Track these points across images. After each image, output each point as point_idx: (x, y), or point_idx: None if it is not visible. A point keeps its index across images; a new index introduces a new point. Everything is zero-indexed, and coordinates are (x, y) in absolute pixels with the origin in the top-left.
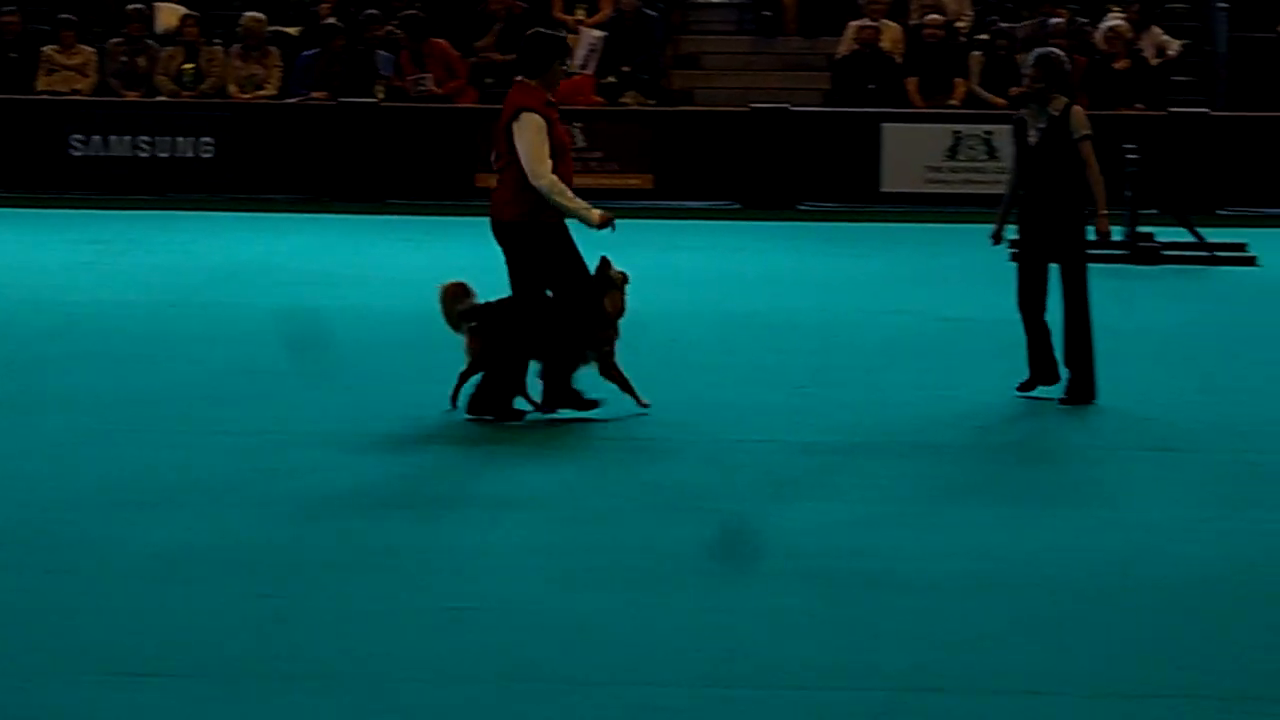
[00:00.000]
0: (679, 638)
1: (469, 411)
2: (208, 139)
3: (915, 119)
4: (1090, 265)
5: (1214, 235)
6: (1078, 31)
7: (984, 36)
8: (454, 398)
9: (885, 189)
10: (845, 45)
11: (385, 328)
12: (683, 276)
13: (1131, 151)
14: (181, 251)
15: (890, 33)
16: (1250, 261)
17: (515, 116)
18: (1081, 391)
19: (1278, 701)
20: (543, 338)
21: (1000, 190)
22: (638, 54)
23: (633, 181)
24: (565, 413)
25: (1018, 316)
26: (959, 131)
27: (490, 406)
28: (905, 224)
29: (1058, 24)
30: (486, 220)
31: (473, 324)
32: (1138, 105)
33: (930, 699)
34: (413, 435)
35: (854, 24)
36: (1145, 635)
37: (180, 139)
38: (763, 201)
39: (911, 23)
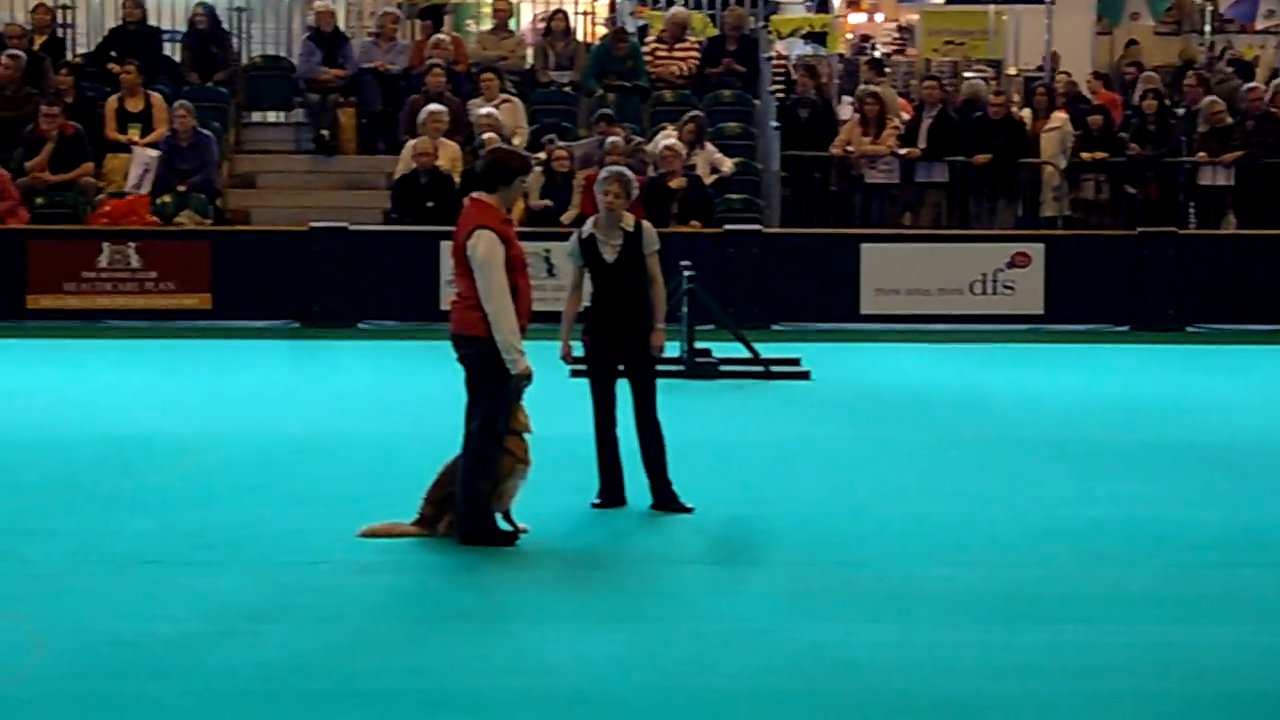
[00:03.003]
0: None
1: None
2: None
3: None
4: None
5: (769, 350)
6: (634, 150)
7: (541, 155)
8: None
9: (446, 307)
10: (403, 164)
11: None
12: (242, 397)
13: (687, 268)
14: None
15: (448, 151)
16: (804, 375)
17: (470, 234)
18: (668, 496)
19: None
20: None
21: (559, 307)
22: (193, 173)
23: (189, 301)
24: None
25: (587, 432)
26: None
27: (477, 533)
28: None
29: (614, 142)
30: (41, 342)
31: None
32: (693, 222)
33: None
34: None
35: (411, 142)
36: None
37: None
38: (323, 320)
39: (471, 138)
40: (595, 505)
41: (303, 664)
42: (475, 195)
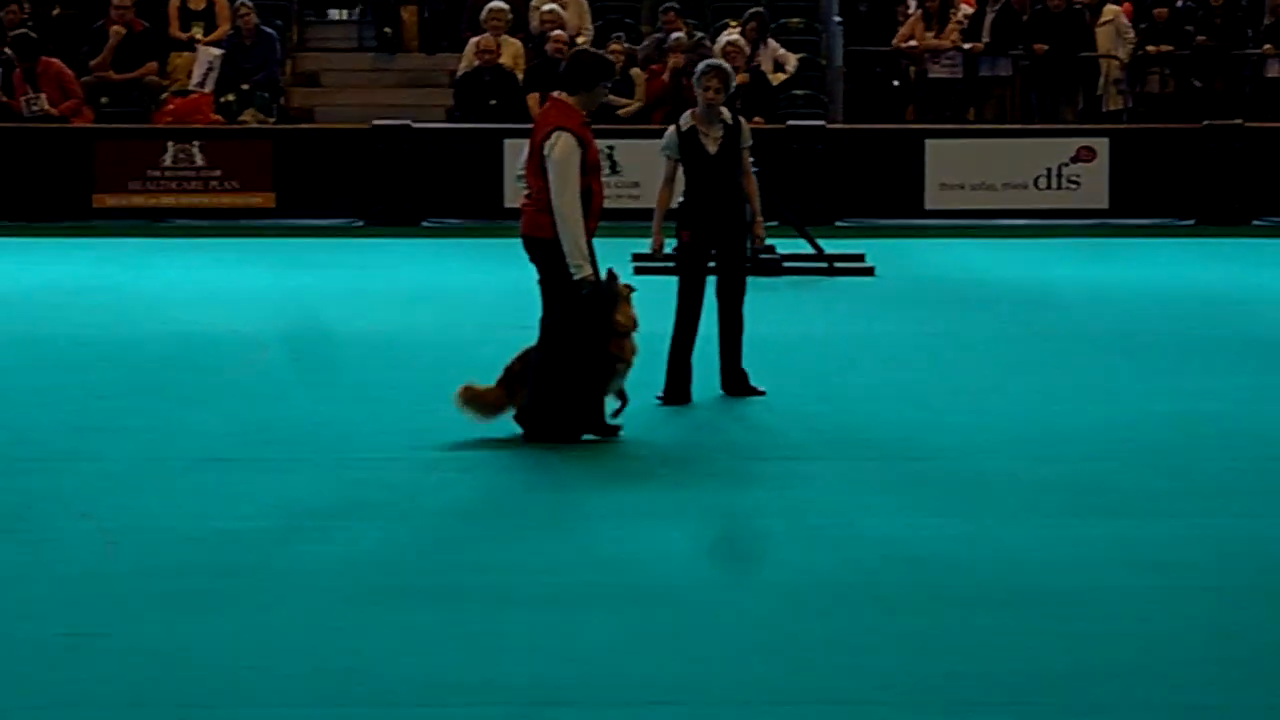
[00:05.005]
0: (293, 659)
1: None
2: None
3: None
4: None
5: (833, 246)
6: (696, 45)
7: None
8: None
9: (509, 204)
10: (466, 61)
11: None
12: (306, 295)
13: (752, 164)
14: None
15: (511, 49)
16: (869, 272)
17: (548, 135)
18: (742, 380)
19: (881, 705)
20: (573, 359)
21: (624, 204)
22: (256, 72)
23: (254, 200)
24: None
25: (652, 329)
26: None
27: (556, 429)
28: None
29: (678, 39)
30: (107, 240)
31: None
32: (756, 118)
33: (552, 712)
34: None
35: (474, 40)
36: (763, 640)
37: None
38: (387, 218)
39: (533, 35)
40: (660, 401)
41: (371, 560)
42: (556, 95)
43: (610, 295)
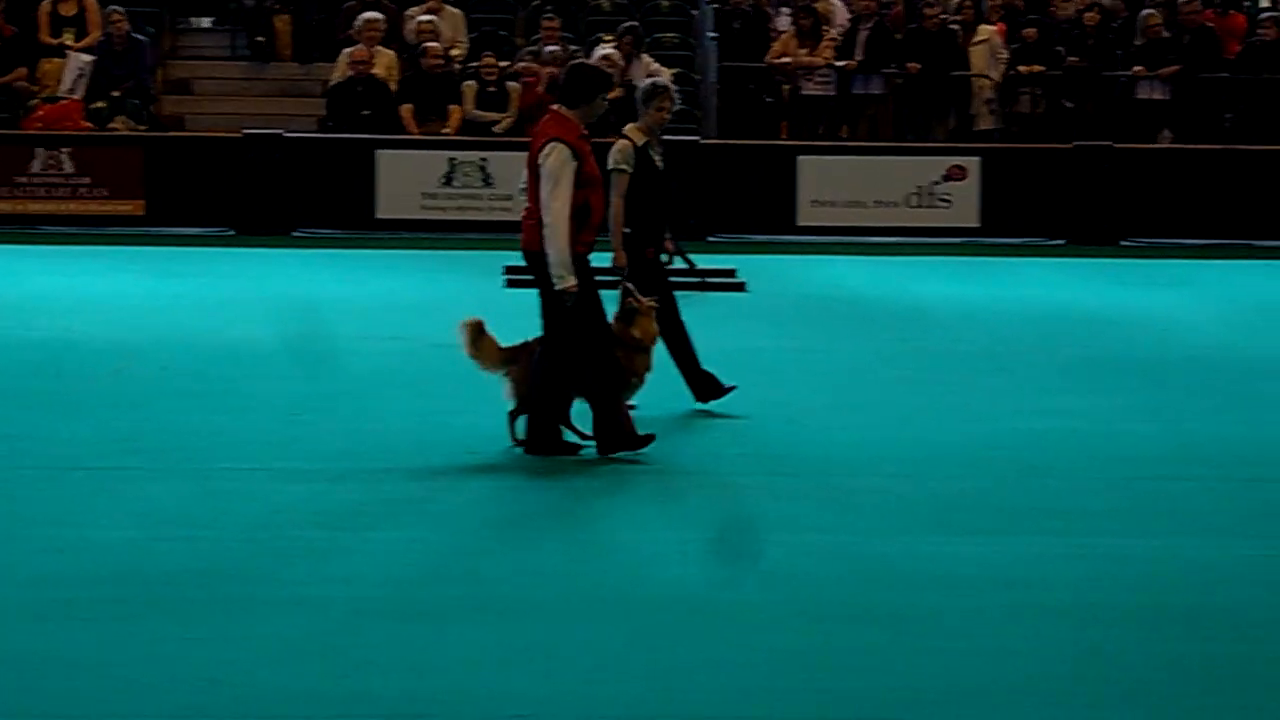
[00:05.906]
0: (155, 669)
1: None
2: None
3: (410, 145)
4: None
5: (705, 261)
6: (569, 59)
7: (476, 64)
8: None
9: (381, 215)
10: (339, 71)
11: None
12: (176, 304)
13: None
14: None
15: (384, 59)
16: (740, 287)
17: (543, 146)
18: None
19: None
20: (584, 373)
21: (498, 216)
22: (127, 79)
23: (124, 208)
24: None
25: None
26: (454, 158)
27: (542, 444)
28: (401, 250)
29: (552, 52)
30: None
31: (512, 365)
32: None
33: None
34: None
35: (347, 50)
36: (629, 657)
37: None
38: (257, 228)
39: (407, 46)
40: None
41: (234, 570)
42: (555, 108)
43: (627, 311)
